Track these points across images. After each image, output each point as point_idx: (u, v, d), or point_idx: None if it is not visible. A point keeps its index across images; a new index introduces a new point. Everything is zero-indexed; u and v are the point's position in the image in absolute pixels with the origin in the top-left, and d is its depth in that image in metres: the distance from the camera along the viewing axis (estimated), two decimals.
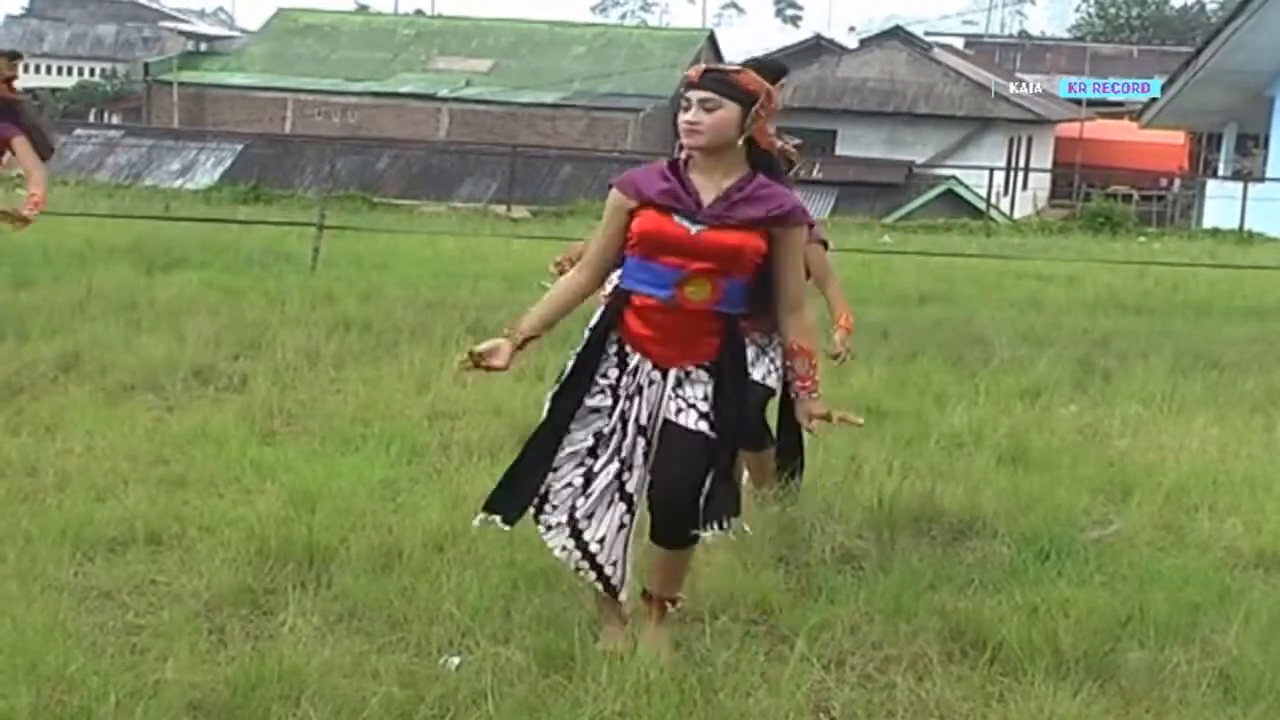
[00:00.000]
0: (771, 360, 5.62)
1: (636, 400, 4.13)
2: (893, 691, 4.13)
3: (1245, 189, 29.32)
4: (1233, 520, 5.93)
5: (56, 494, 5.63)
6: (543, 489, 4.20)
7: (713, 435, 4.08)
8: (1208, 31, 38.48)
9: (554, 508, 4.21)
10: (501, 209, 29.31)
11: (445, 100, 43.03)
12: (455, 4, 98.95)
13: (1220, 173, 35.77)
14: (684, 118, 4.06)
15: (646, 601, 4.26)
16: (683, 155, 4.12)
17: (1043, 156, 43.92)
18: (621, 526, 4.17)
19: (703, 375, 4.12)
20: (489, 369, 4.15)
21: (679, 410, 4.10)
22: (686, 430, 4.08)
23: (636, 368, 4.14)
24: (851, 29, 67.89)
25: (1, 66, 7.72)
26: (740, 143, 4.07)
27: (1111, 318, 12.97)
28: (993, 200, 32.64)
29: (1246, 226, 27.34)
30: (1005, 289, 15.46)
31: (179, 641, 4.12)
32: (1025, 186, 40.91)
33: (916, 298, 14.29)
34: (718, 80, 4.05)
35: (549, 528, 4.23)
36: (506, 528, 4.29)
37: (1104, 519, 5.99)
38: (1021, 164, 41.26)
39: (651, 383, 4.13)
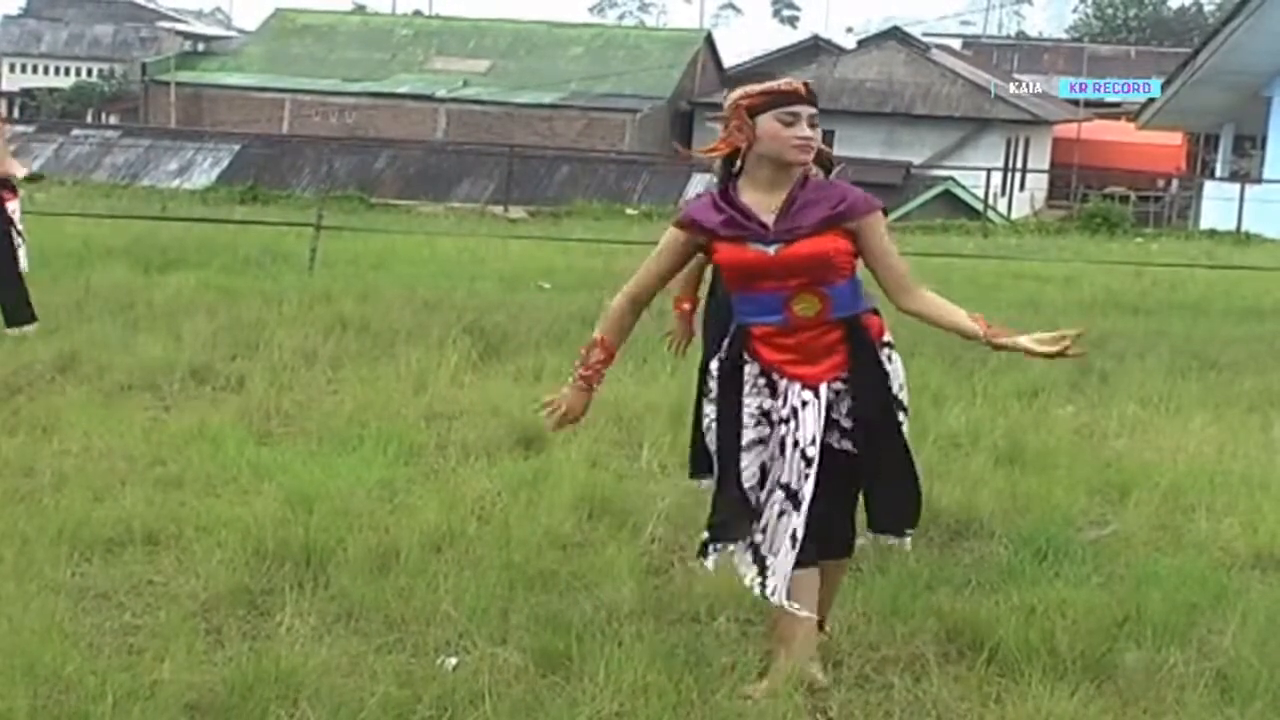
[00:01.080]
0: None
1: (793, 422, 4.05)
2: (890, 692, 4.13)
3: (1242, 190, 29.37)
4: (1230, 520, 5.93)
5: (53, 494, 5.63)
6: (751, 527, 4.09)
7: (854, 452, 4.07)
8: (1205, 32, 38.50)
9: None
10: (499, 209, 29.30)
11: (443, 101, 43.01)
12: (453, 4, 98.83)
13: (1217, 174, 35.82)
14: (795, 133, 3.99)
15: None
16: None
17: (1040, 157, 43.95)
18: (793, 547, 4.04)
19: (845, 388, 4.08)
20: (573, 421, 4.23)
21: (834, 435, 4.08)
22: (838, 456, 4.07)
23: (786, 391, 4.08)
24: (849, 30, 68.03)
25: None
26: None
27: (1109, 318, 12.97)
28: (990, 201, 32.65)
29: (1243, 227, 27.37)
30: (1003, 289, 15.46)
31: (176, 642, 4.12)
32: (1023, 187, 40.92)
33: None
34: (816, 97, 4.06)
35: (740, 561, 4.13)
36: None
37: (1101, 519, 6.00)
38: (1019, 165, 41.27)
39: (805, 403, 4.05)
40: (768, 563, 4.02)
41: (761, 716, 3.88)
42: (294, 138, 39.06)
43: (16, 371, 7.92)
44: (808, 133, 4.01)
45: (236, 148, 36.11)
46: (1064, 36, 74.95)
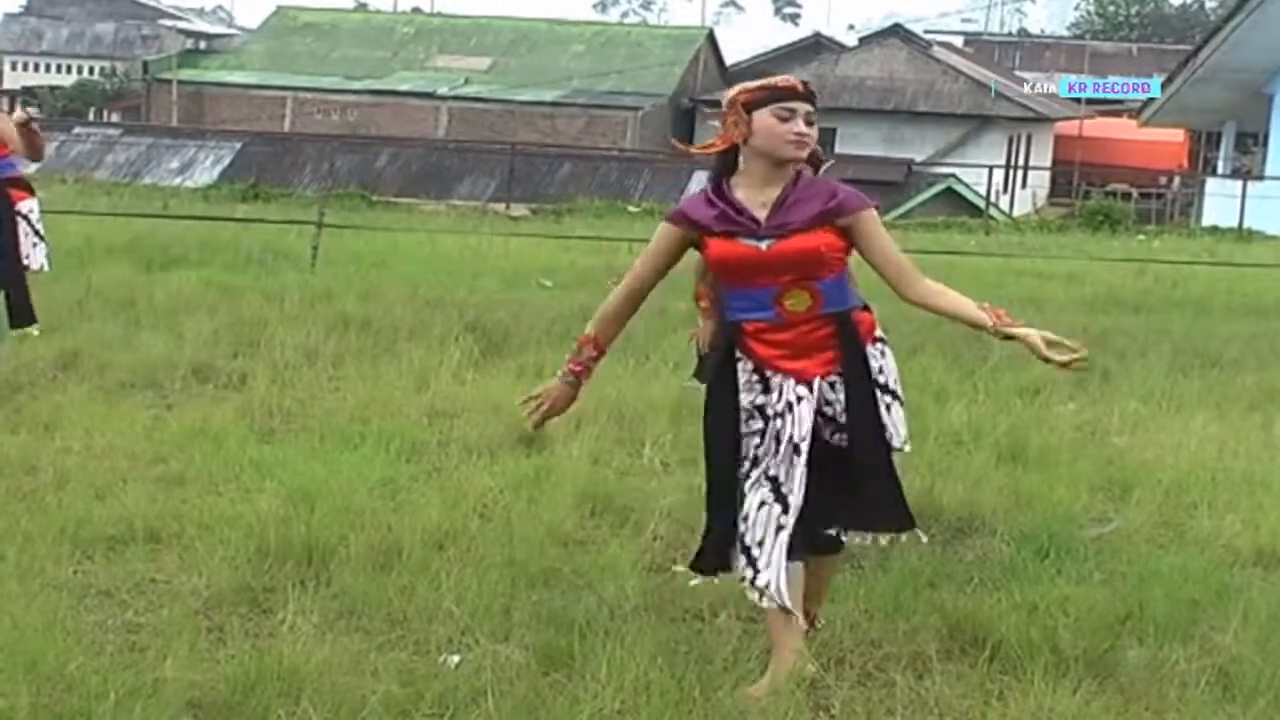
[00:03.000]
0: None
1: (787, 417, 4.05)
2: (892, 689, 4.12)
3: (1244, 187, 29.36)
4: (1231, 518, 5.93)
5: (55, 492, 5.63)
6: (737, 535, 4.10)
7: (845, 447, 4.07)
8: (1207, 29, 38.51)
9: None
10: (500, 207, 29.32)
11: (444, 98, 43.02)
12: (454, 2, 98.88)
13: (1219, 171, 35.82)
14: (790, 128, 4.01)
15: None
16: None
17: (1042, 154, 43.94)
18: (781, 542, 4.04)
19: (838, 384, 4.09)
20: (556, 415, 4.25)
21: (826, 430, 4.08)
22: (828, 447, 4.08)
23: (780, 387, 4.08)
24: (851, 27, 68.01)
25: None
26: None
27: (1110, 315, 12.97)
28: (992, 198, 32.64)
29: (1245, 224, 27.38)
30: (1004, 287, 15.43)
31: (178, 640, 4.12)
32: (1024, 184, 40.91)
33: None
34: (813, 95, 4.09)
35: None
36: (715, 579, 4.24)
37: (1103, 517, 5.99)
38: (1021, 162, 41.27)
39: (800, 399, 4.06)
40: (754, 555, 4.03)
41: (764, 714, 3.88)
42: (295, 136, 39.08)
43: (18, 369, 7.91)
44: (803, 128, 4.03)
45: (238, 146, 36.12)
46: (1065, 34, 74.93)
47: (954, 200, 33.13)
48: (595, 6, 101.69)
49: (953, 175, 34.63)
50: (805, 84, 4.10)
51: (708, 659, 4.18)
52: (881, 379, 4.15)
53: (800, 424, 4.04)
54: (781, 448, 4.04)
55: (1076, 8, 79.16)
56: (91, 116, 49.25)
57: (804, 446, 4.04)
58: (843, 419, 4.09)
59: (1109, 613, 4.63)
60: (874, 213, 4.12)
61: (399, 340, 9.30)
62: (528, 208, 28.96)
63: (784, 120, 4.01)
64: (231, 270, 13.52)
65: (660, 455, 6.61)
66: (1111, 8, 73.94)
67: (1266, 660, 4.21)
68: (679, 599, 4.71)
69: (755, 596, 4.05)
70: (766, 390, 4.09)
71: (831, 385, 4.09)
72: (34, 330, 8.19)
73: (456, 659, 4.16)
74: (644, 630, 4.31)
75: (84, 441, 6.47)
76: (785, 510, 4.02)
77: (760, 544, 4.02)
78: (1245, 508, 6.07)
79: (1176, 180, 39.20)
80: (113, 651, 4.12)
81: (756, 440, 4.08)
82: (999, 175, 35.90)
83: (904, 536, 4.26)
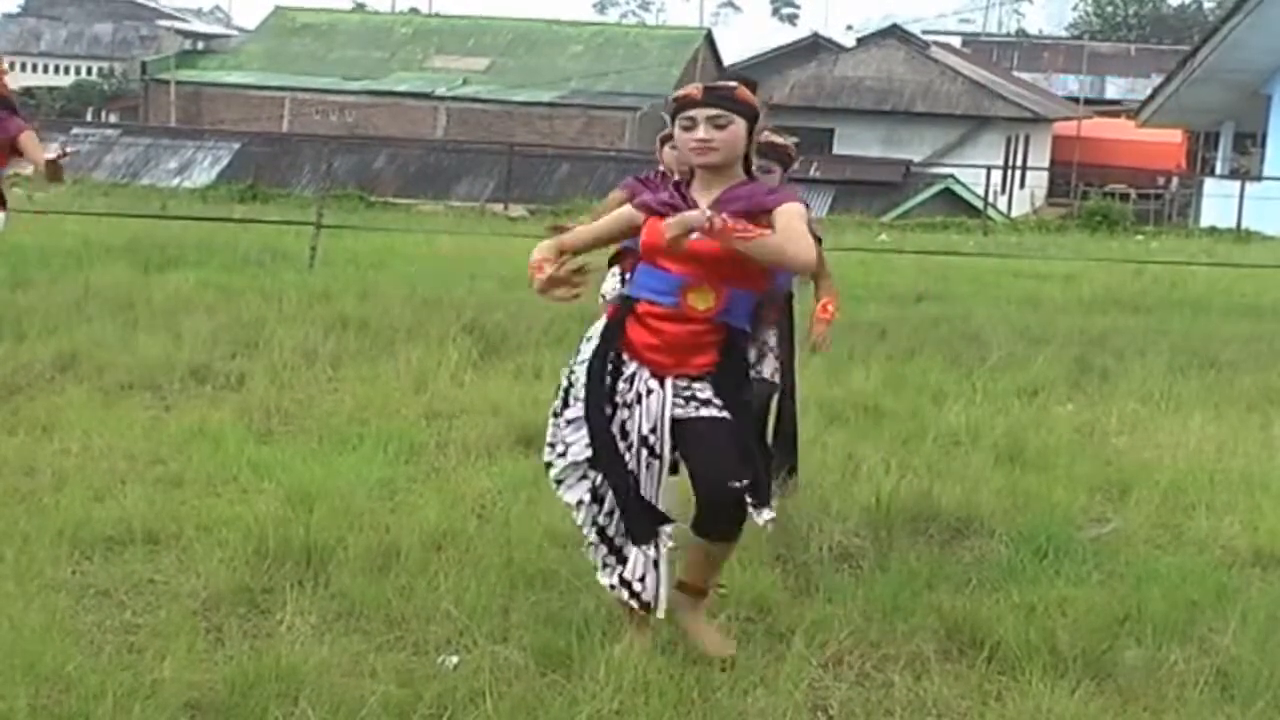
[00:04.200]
0: (776, 358, 5.63)
1: (636, 410, 4.11)
2: (890, 690, 4.13)
3: (1242, 187, 29.38)
4: (1230, 519, 5.93)
5: (54, 493, 5.62)
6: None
7: (729, 418, 4.08)
8: (1205, 30, 38.51)
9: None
10: (499, 208, 29.32)
11: (442, 99, 43.04)
12: (452, 2, 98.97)
13: (1217, 171, 35.83)
14: (692, 136, 4.06)
15: (685, 592, 4.25)
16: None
17: (1040, 155, 43.94)
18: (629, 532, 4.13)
19: (703, 381, 4.11)
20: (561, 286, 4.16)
21: (691, 407, 4.09)
22: (706, 419, 4.08)
23: (634, 375, 4.13)
24: (849, 28, 67.85)
25: None
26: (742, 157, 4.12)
27: (1109, 316, 12.97)
28: (990, 199, 32.63)
29: (1243, 225, 27.40)
30: (1003, 287, 15.46)
31: (176, 640, 4.11)
32: (1023, 185, 40.92)
33: (914, 296, 14.28)
34: (723, 97, 4.07)
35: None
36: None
37: (1101, 517, 6.00)
38: (1019, 162, 41.26)
39: (650, 391, 4.11)
40: (618, 545, 4.12)
41: (762, 714, 3.88)
42: (293, 136, 39.08)
43: (16, 371, 7.91)
44: (702, 135, 4.05)
45: (236, 146, 36.14)
46: (1063, 34, 74.93)
47: (952, 201, 33.14)
48: (594, 7, 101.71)
49: (951, 176, 34.65)
50: (706, 88, 4.10)
51: (706, 659, 4.18)
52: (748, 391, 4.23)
53: (647, 418, 4.09)
54: (632, 441, 4.09)
55: (1074, 8, 79.20)
56: (89, 117, 49.24)
57: (654, 440, 4.08)
58: (715, 398, 4.08)
59: (1107, 613, 4.63)
60: (795, 206, 4.07)
61: (397, 341, 9.30)
62: (526, 208, 28.96)
63: (687, 130, 4.08)
64: (230, 271, 13.51)
65: None
66: (1109, 8, 73.96)
67: (1265, 661, 4.21)
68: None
69: (618, 581, 4.15)
70: (618, 375, 4.13)
71: (686, 385, 4.10)
72: None
73: (455, 660, 4.16)
74: (642, 630, 4.30)
75: (82, 443, 6.46)
76: (639, 502, 4.08)
77: (627, 538, 4.11)
78: (1244, 508, 6.07)
79: (1175, 181, 39.22)
80: (111, 652, 4.12)
81: (614, 424, 4.13)
82: (997, 176, 35.89)
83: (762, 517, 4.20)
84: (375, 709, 3.76)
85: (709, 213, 3.92)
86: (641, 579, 4.13)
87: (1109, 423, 7.84)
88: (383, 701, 3.80)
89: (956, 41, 56.11)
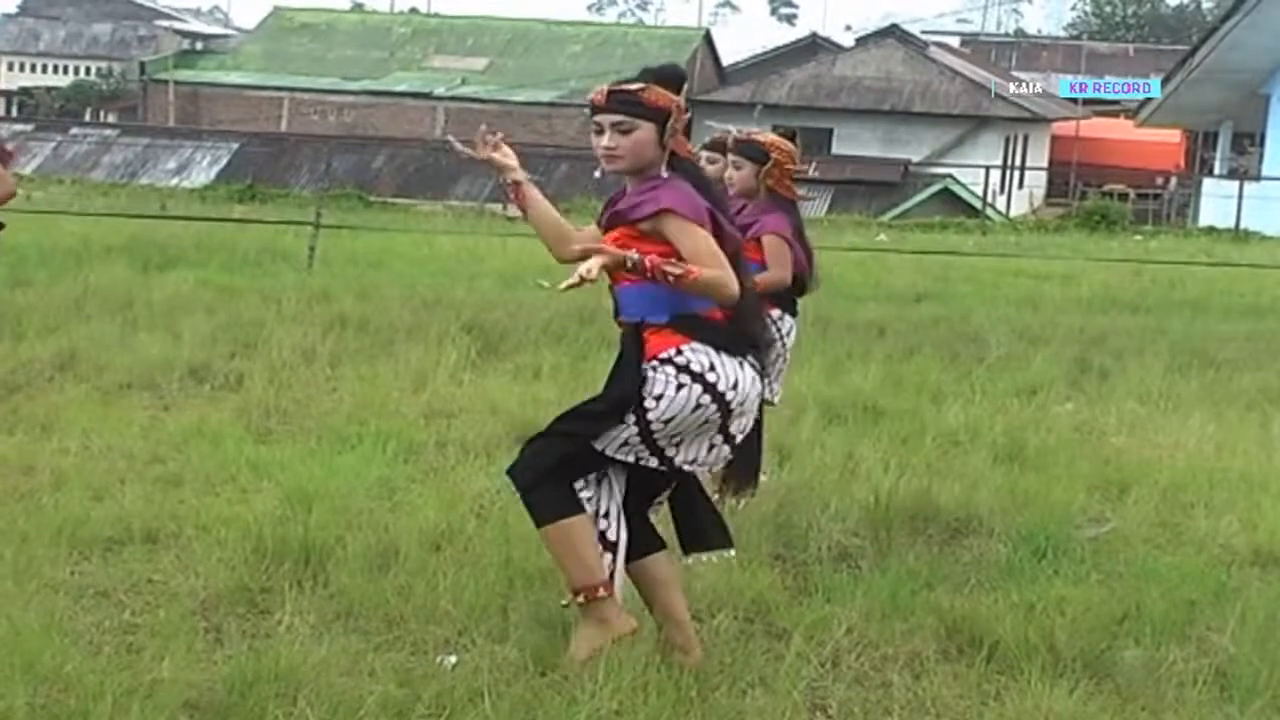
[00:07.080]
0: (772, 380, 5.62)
1: None
2: (889, 689, 4.13)
3: (1241, 187, 29.42)
4: (1229, 518, 5.93)
5: (53, 493, 5.62)
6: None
7: (580, 402, 4.13)
8: (1204, 30, 38.54)
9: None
10: (497, 208, 29.25)
11: (441, 99, 43.00)
12: (451, 2, 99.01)
13: (1216, 171, 35.84)
14: (599, 143, 4.00)
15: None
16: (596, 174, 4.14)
17: (1039, 155, 43.91)
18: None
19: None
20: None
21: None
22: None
23: None
24: (847, 27, 68.02)
25: None
26: (665, 159, 4.01)
27: (1107, 316, 12.98)
28: (989, 198, 32.64)
29: (1242, 225, 27.42)
30: (1001, 287, 15.47)
31: (175, 640, 4.12)
32: (1021, 185, 40.89)
33: (913, 296, 14.29)
34: (626, 101, 3.96)
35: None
36: None
37: (1100, 517, 6.00)
38: (1018, 162, 41.24)
39: None
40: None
41: (760, 714, 3.88)
42: (292, 136, 39.06)
43: (15, 370, 7.91)
44: (606, 142, 3.98)
45: (235, 146, 36.13)
46: (1062, 34, 74.92)
47: (951, 201, 33.13)
48: (592, 7, 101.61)
49: (949, 176, 34.64)
50: (612, 91, 4.00)
51: (704, 659, 4.18)
52: (647, 403, 3.93)
53: None
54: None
55: (1073, 8, 79.19)
56: (88, 117, 49.21)
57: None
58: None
59: (1106, 613, 4.63)
60: (670, 217, 3.92)
61: (396, 341, 9.30)
62: None
63: (596, 135, 4.03)
64: (229, 271, 13.51)
65: None
66: (1108, 8, 73.92)
67: (1264, 660, 4.22)
68: None
69: None
70: None
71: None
72: None
73: (454, 659, 4.16)
74: (641, 631, 4.30)
75: (81, 442, 6.46)
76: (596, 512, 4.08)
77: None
78: (1242, 508, 6.07)
79: (1173, 181, 39.22)
80: (110, 652, 4.12)
81: None
82: (996, 176, 35.89)
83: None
84: (374, 709, 3.76)
85: (634, 254, 3.86)
86: (606, 515, 4.09)
87: (1108, 422, 7.85)
88: (381, 701, 3.80)
89: (955, 41, 56.11)
